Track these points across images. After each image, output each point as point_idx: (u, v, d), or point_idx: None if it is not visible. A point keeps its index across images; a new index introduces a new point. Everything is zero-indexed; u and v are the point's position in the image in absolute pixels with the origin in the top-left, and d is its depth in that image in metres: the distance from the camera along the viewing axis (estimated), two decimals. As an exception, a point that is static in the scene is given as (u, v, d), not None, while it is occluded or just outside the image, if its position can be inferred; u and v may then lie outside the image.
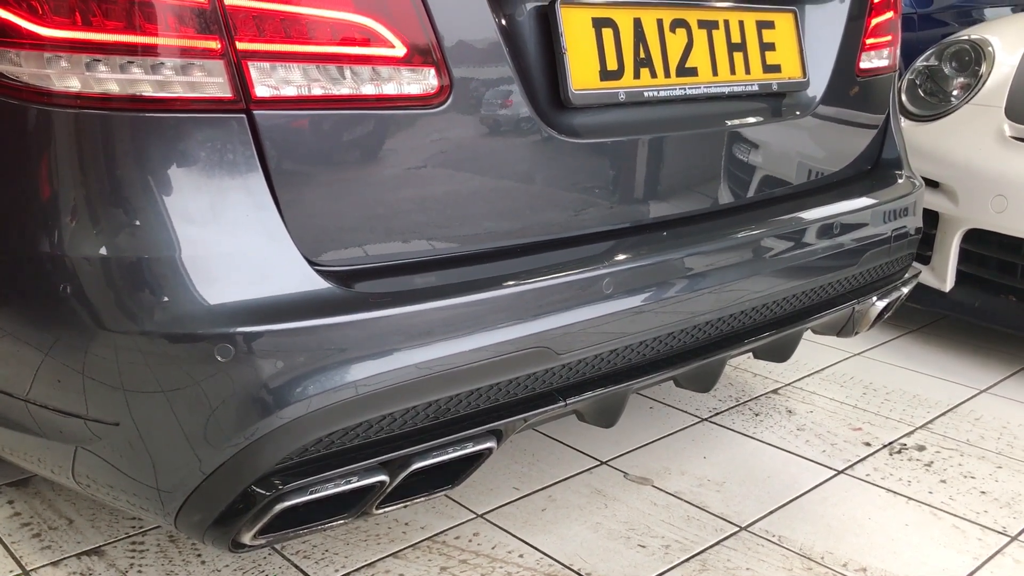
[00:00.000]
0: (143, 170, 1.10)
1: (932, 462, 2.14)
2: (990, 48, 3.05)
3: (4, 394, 1.23)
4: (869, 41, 1.93)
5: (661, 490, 1.98)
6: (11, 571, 1.67)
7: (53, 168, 1.11)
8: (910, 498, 1.98)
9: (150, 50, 1.08)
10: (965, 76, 3.04)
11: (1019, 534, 1.86)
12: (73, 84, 1.08)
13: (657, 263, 1.46)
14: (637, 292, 1.43)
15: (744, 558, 1.75)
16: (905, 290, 2.03)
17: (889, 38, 2.01)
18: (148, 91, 1.09)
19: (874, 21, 1.95)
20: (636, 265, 1.43)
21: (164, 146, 1.10)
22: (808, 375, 2.60)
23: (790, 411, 2.37)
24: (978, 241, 2.69)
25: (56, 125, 1.10)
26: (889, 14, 2.01)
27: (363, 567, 1.68)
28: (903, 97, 3.08)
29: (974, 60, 3.05)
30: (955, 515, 1.92)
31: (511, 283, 1.30)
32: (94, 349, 1.12)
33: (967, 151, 2.73)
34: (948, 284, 2.77)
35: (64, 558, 1.70)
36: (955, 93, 3.02)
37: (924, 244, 2.82)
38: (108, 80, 1.08)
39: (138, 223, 1.10)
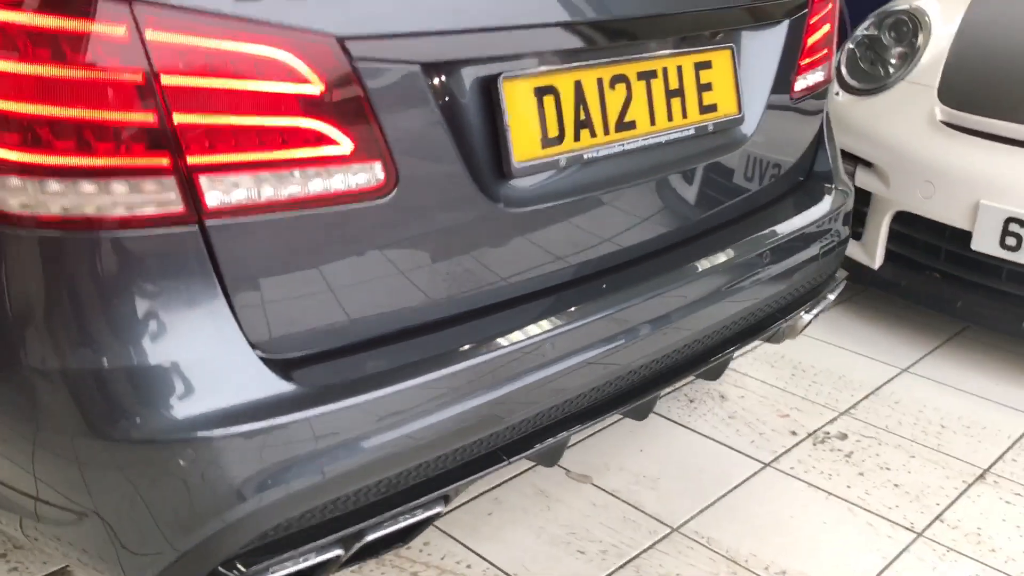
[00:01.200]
0: (99, 286, 1.13)
1: (852, 452, 2.29)
2: (927, 18, 3.11)
3: (14, 490, 1.28)
4: (805, 62, 1.98)
5: (600, 488, 2.11)
6: (-20, 595, 1.75)
7: (11, 286, 1.14)
8: (830, 493, 2.13)
9: (101, 171, 1.11)
10: (903, 46, 3.10)
11: (924, 529, 2.02)
12: (25, 205, 1.11)
13: (600, 317, 1.54)
14: (582, 349, 1.51)
15: (675, 562, 1.89)
16: (832, 297, 2.14)
17: (824, 52, 2.06)
18: (100, 211, 1.12)
19: (811, 40, 1.99)
20: (580, 323, 1.51)
21: (118, 263, 1.14)
22: (741, 354, 2.72)
23: (723, 396, 2.50)
24: (906, 223, 2.80)
25: (11, 245, 1.13)
26: (826, 27, 2.05)
27: (320, 583, 1.79)
28: (843, 69, 3.14)
29: (911, 31, 3.11)
30: (869, 511, 2.07)
31: (457, 358, 1.37)
32: (63, 452, 1.18)
33: (899, 134, 2.81)
34: (877, 262, 2.89)
35: (31, 579, 1.78)
36: (893, 62, 3.09)
37: (856, 221, 2.93)
38: (59, 201, 1.11)
39: (97, 337, 1.14)
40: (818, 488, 2.15)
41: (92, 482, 1.21)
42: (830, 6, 2.05)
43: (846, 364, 2.72)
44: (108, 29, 1.08)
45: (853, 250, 2.94)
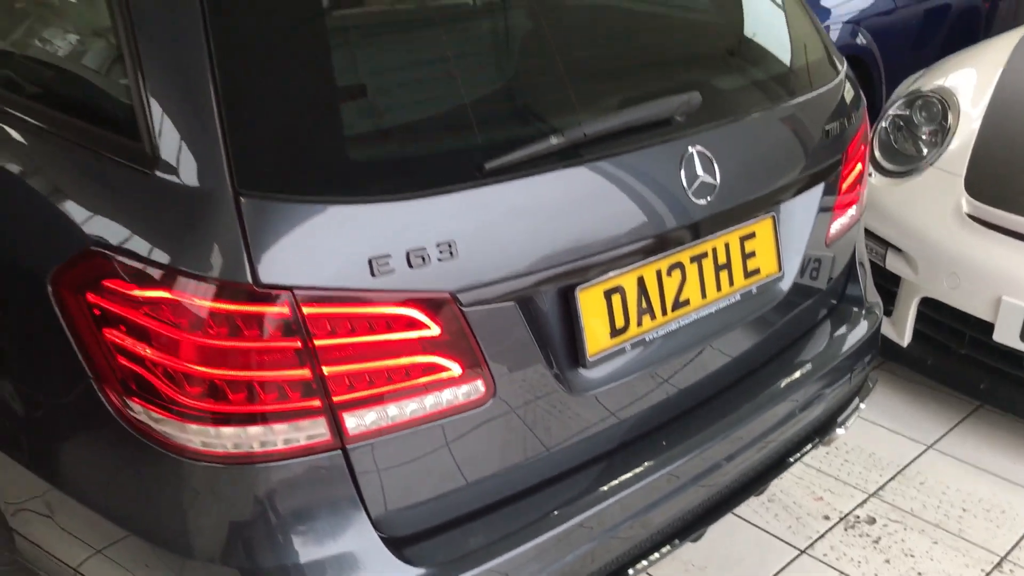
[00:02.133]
0: (261, 502, 1.43)
1: (880, 538, 2.55)
2: (955, 99, 3.29)
3: None
4: (839, 208, 2.21)
5: (653, 576, 2.39)
6: None
7: (192, 505, 1.43)
8: (859, 581, 2.40)
9: (267, 415, 1.39)
10: (934, 125, 3.29)
11: (945, 620, 2.29)
12: (206, 443, 1.40)
13: (665, 470, 1.80)
14: (651, 497, 1.78)
15: (721, 653, 2.17)
16: (863, 405, 2.39)
17: (857, 190, 2.29)
18: (264, 446, 1.40)
19: (844, 185, 2.22)
20: (650, 477, 1.77)
21: (275, 484, 1.42)
22: (780, 431, 2.97)
23: (763, 478, 2.76)
24: (933, 307, 3.02)
25: (192, 473, 1.42)
26: (857, 168, 2.28)
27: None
28: (876, 152, 3.34)
29: (941, 112, 3.31)
30: (894, 600, 2.34)
31: (545, 523, 1.64)
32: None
33: (926, 224, 3.02)
34: (905, 340, 3.12)
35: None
36: (924, 139, 3.28)
37: (887, 299, 3.15)
38: (232, 439, 1.39)
39: (259, 542, 1.43)
40: None
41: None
42: (862, 148, 2.28)
43: (876, 440, 2.96)
44: (274, 310, 1.36)
45: (884, 326, 3.16)
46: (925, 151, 3.23)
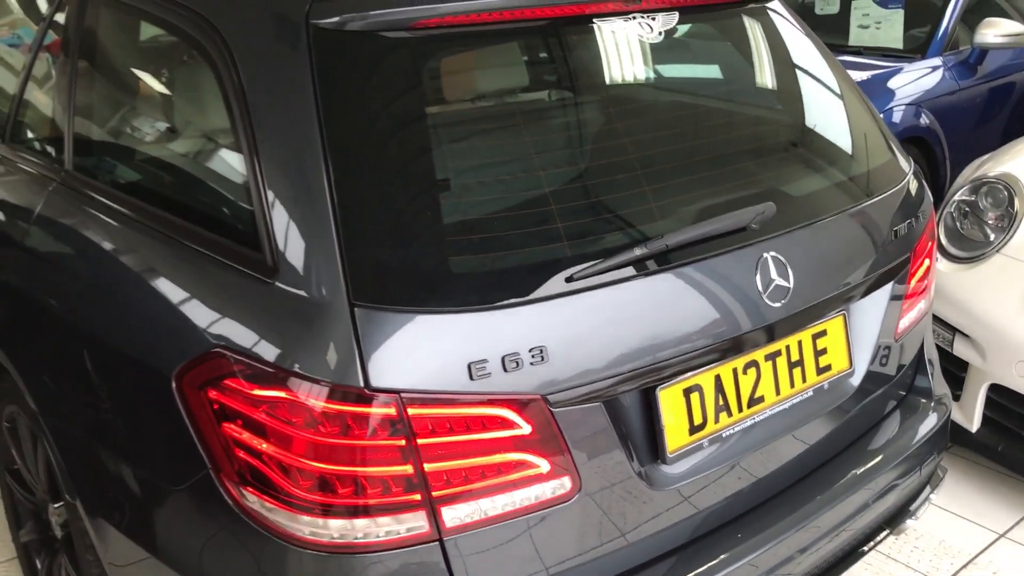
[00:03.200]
0: (366, 587, 1.53)
1: (952, 628, 2.56)
2: (1020, 185, 3.34)
3: None
4: (908, 303, 2.28)
5: (725, 661, 2.42)
6: None
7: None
8: (931, 673, 2.40)
9: (371, 508, 1.50)
10: (1000, 210, 3.34)
11: None
12: (314, 533, 1.51)
13: (741, 563, 1.87)
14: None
15: None
16: (933, 496, 2.42)
17: (926, 284, 2.35)
18: (367, 537, 1.51)
19: (913, 282, 2.29)
20: (727, 571, 1.84)
21: (377, 572, 1.53)
22: (848, 516, 3.00)
23: (832, 564, 2.79)
24: (1002, 393, 3.04)
25: (299, 560, 1.53)
26: (927, 263, 2.35)
27: None
28: (942, 237, 3.39)
29: (1007, 199, 3.35)
30: None
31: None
32: None
33: (994, 311, 3.05)
34: (974, 425, 3.13)
35: None
36: (991, 223, 3.33)
37: (956, 384, 3.18)
38: (338, 530, 1.50)
39: (364, 625, 1.53)
40: (921, 666, 2.42)
41: None
42: (930, 245, 2.35)
43: (946, 527, 2.97)
44: (382, 411, 1.47)
45: (952, 411, 3.18)
46: (992, 236, 3.27)
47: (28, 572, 2.56)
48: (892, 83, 4.67)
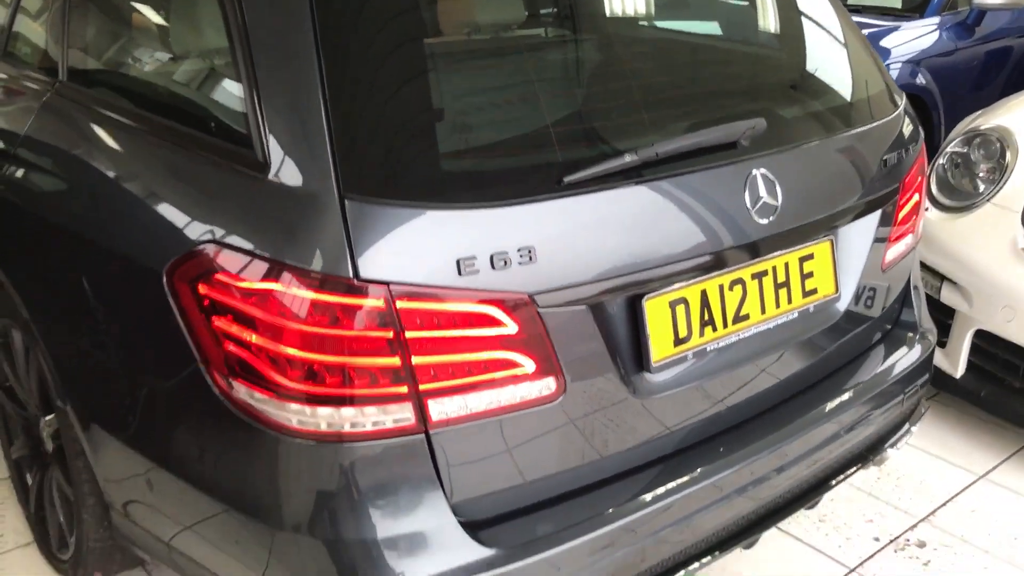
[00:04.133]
0: (347, 478, 1.56)
1: (929, 561, 2.60)
2: (1014, 138, 3.36)
3: None
4: (895, 234, 2.30)
5: (705, 588, 2.47)
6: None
7: (286, 477, 1.57)
8: (908, 601, 2.45)
9: (358, 399, 1.53)
10: (992, 163, 3.36)
11: (992, 641, 2.33)
12: (302, 422, 1.53)
13: (719, 474, 1.90)
14: (705, 500, 1.87)
15: (770, 662, 2.24)
16: (914, 429, 2.45)
17: (913, 219, 2.38)
18: (354, 427, 1.53)
19: (901, 214, 2.31)
20: (705, 480, 1.87)
21: (362, 462, 1.55)
22: (832, 456, 3.03)
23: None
24: (987, 339, 3.08)
25: (289, 450, 1.55)
26: (915, 199, 2.36)
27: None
28: (933, 188, 3.41)
29: (999, 151, 3.37)
30: (943, 620, 2.39)
31: (608, 517, 1.75)
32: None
33: (982, 258, 3.08)
34: (959, 371, 3.17)
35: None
36: (982, 176, 3.35)
37: (942, 331, 3.21)
38: (326, 419, 1.53)
39: (344, 514, 1.56)
40: (897, 595, 2.47)
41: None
42: (919, 179, 2.37)
43: (928, 468, 3.01)
44: (371, 302, 1.49)
45: (938, 357, 3.22)
46: (982, 188, 3.29)
47: (19, 488, 2.59)
48: (889, 41, 4.68)
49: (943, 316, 3.19)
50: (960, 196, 3.33)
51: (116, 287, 1.83)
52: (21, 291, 2.12)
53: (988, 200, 3.22)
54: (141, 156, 1.84)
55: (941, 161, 3.46)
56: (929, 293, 3.19)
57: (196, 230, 1.63)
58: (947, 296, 3.16)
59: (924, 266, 3.23)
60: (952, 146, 3.47)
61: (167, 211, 1.71)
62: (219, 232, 1.60)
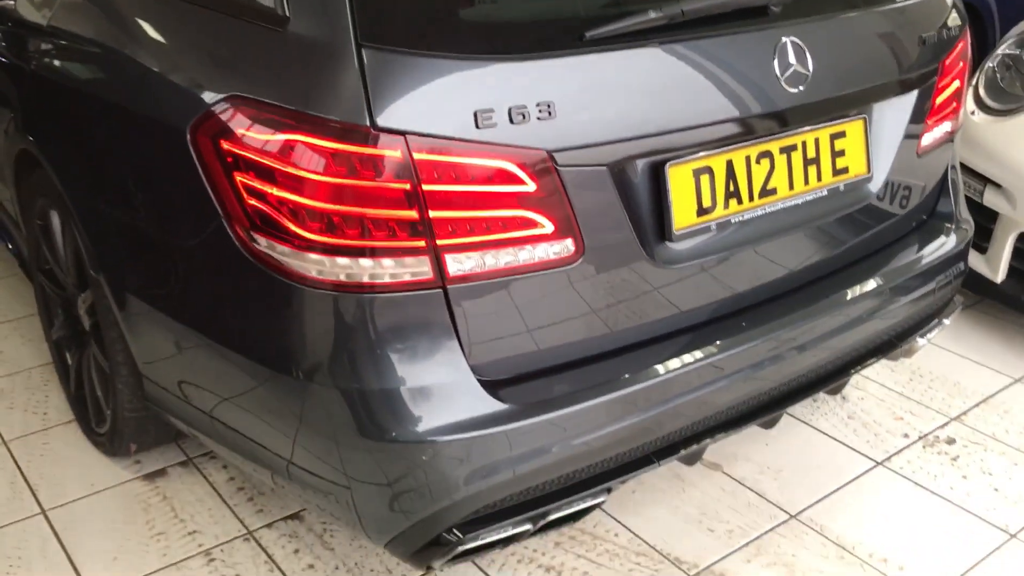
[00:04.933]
0: (367, 330, 1.58)
1: (958, 456, 2.58)
2: (1071, 37, 3.25)
3: (275, 454, 1.76)
4: (932, 119, 2.24)
5: (729, 476, 2.48)
6: (239, 530, 2.27)
7: (306, 327, 1.60)
8: (933, 492, 2.44)
9: (377, 250, 1.54)
10: (1045, 65, 3.26)
11: (1018, 532, 2.31)
12: (321, 272, 1.55)
13: (742, 348, 1.89)
14: (725, 374, 1.87)
15: (791, 545, 2.25)
16: (947, 322, 2.42)
17: (953, 106, 2.31)
18: (373, 278, 1.55)
19: (939, 99, 2.25)
20: (726, 353, 1.86)
21: (381, 314, 1.57)
22: (864, 358, 3.01)
23: (844, 398, 2.82)
24: (1030, 242, 3.01)
25: (309, 300, 1.57)
26: (955, 85, 2.30)
27: (498, 541, 2.24)
28: (980, 89, 3.31)
29: (1054, 51, 3.26)
30: (969, 512, 2.38)
31: (624, 382, 1.76)
32: (327, 440, 1.64)
33: (1028, 159, 3.00)
34: (1000, 276, 3.11)
35: (274, 520, 2.29)
36: (1034, 80, 3.25)
37: (983, 235, 3.14)
38: (345, 270, 1.54)
39: (365, 366, 1.58)
40: (924, 487, 2.46)
41: (349, 464, 1.66)
42: (961, 65, 2.30)
43: (962, 371, 2.97)
44: (389, 152, 1.50)
45: (978, 263, 3.16)
46: (1032, 93, 3.19)
47: (60, 369, 2.67)
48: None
49: (985, 220, 3.12)
50: (1009, 99, 3.23)
51: (143, 150, 1.85)
52: (55, 166, 2.15)
53: (1037, 102, 3.13)
54: (162, 16, 1.84)
55: (991, 64, 3.35)
56: (971, 196, 3.12)
57: (218, 86, 1.64)
58: (990, 199, 3.08)
59: (967, 169, 3.16)
60: (1004, 48, 3.36)
61: (189, 69, 1.72)
62: (240, 87, 1.60)
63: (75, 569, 2.14)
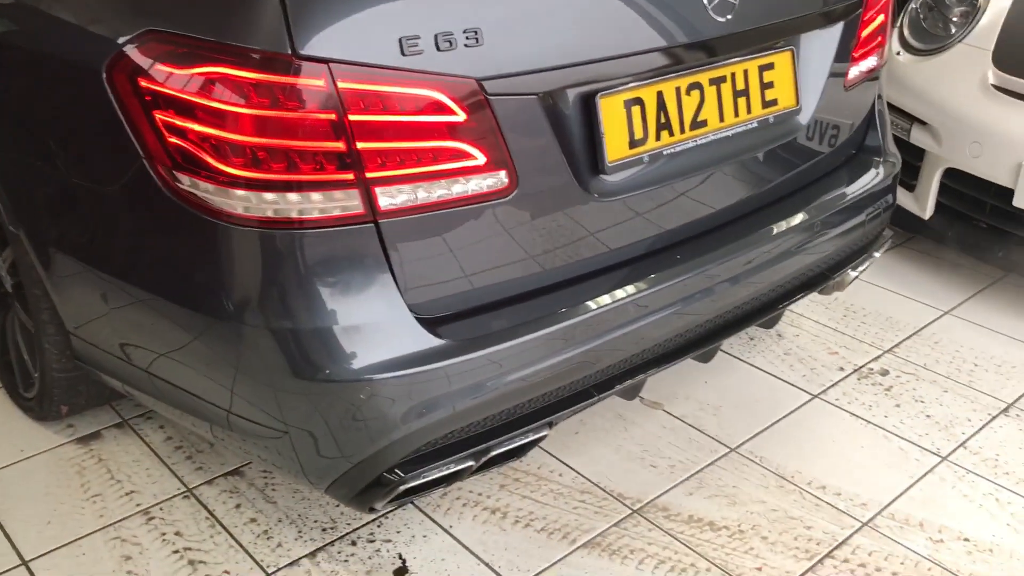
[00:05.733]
0: (299, 267, 1.54)
1: (891, 387, 2.64)
2: (989, -22, 3.30)
3: (213, 404, 1.73)
4: (858, 53, 2.26)
5: (670, 414, 2.50)
6: (178, 488, 2.23)
7: (234, 266, 1.56)
8: (868, 421, 2.49)
9: (304, 184, 1.50)
10: (965, 6, 3.31)
11: (948, 455, 2.38)
12: (247, 208, 1.51)
13: (675, 281, 1.90)
14: (659, 307, 1.88)
15: (732, 476, 2.29)
16: (877, 255, 2.46)
17: (878, 40, 2.34)
18: (302, 213, 1.51)
19: (864, 32, 2.27)
20: (660, 286, 1.87)
21: (312, 251, 1.54)
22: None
23: (780, 335, 2.86)
24: (955, 178, 3.07)
25: (236, 237, 1.53)
26: (880, 18, 2.32)
27: (442, 486, 2.23)
28: (905, 30, 3.37)
29: (973, -9, 3.32)
30: (902, 437, 2.43)
31: (560, 317, 1.75)
32: (263, 384, 1.61)
33: (952, 96, 3.05)
34: (928, 213, 3.17)
35: (214, 477, 2.26)
36: (955, 20, 3.30)
37: (911, 173, 3.21)
38: (272, 206, 1.51)
39: (297, 304, 1.55)
40: (859, 417, 2.51)
41: (287, 408, 1.64)
42: (883, 0, 2.32)
43: (894, 306, 3.04)
44: (312, 82, 1.46)
45: (906, 201, 3.22)
46: (954, 31, 3.25)
47: (-16, 334, 2.58)
48: None
49: (912, 159, 3.18)
50: (932, 39, 3.29)
51: (57, 96, 1.78)
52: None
53: (960, 40, 3.18)
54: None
55: (914, 5, 3.40)
56: (899, 135, 3.17)
57: (132, 23, 1.58)
58: (916, 137, 3.14)
59: (894, 108, 3.21)
60: (926, -11, 3.41)
61: (101, 7, 1.66)
62: (155, 21, 1.55)
63: (6, 535, 2.08)
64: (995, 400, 2.59)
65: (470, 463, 1.74)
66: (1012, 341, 2.86)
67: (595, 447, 2.37)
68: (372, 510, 1.75)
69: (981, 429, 2.47)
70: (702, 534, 2.11)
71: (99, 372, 2.06)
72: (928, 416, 2.52)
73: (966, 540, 2.12)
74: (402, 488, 1.68)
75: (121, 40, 1.58)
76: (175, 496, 2.20)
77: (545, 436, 1.83)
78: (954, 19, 3.31)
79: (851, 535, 2.12)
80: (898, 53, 3.32)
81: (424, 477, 1.70)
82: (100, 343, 1.96)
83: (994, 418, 2.52)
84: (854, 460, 2.35)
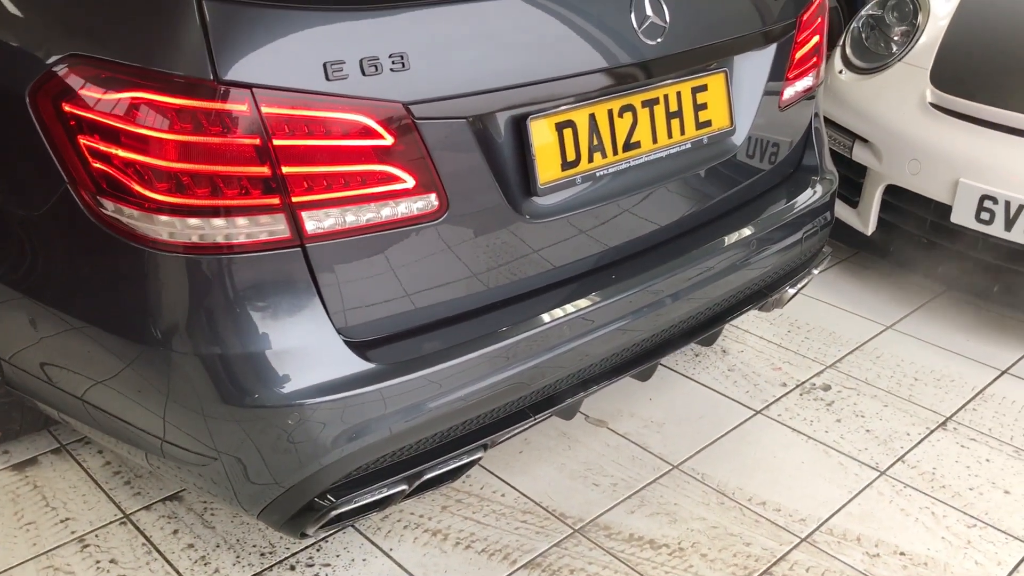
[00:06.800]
0: (225, 292, 1.53)
1: (833, 401, 2.67)
2: (927, 0, 3.37)
3: (146, 432, 1.71)
4: (793, 74, 2.30)
5: (614, 431, 2.51)
6: (115, 514, 2.19)
7: (161, 292, 1.54)
8: (809, 437, 2.52)
9: (229, 209, 1.50)
10: (905, 25, 3.37)
11: (887, 469, 2.41)
12: (172, 234, 1.50)
13: (611, 301, 1.91)
14: (595, 327, 1.89)
15: (674, 494, 2.30)
16: (816, 272, 2.49)
17: (813, 61, 2.37)
18: (228, 238, 1.51)
19: (799, 53, 2.31)
20: (595, 306, 1.88)
21: (239, 276, 1.53)
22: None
23: (724, 351, 2.88)
24: (896, 195, 3.12)
25: (162, 263, 1.52)
26: (815, 39, 2.36)
27: (383, 509, 2.22)
28: (847, 49, 3.42)
29: (912, 12, 3.39)
30: (842, 452, 2.46)
31: (493, 338, 1.75)
32: (193, 411, 1.60)
33: (892, 114, 3.11)
34: (870, 228, 3.22)
35: (152, 502, 2.23)
36: (896, 39, 3.37)
37: (853, 190, 3.25)
38: (197, 231, 1.50)
39: (224, 330, 1.54)
40: (800, 432, 2.53)
41: (217, 435, 1.62)
42: (819, 21, 2.36)
43: (837, 321, 3.07)
44: (235, 107, 1.45)
45: (849, 216, 3.27)
46: (895, 49, 3.31)
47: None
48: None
49: (855, 176, 3.23)
50: (874, 58, 3.35)
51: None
52: None
53: (900, 59, 3.24)
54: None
55: (856, 24, 3.46)
56: (841, 152, 3.22)
57: (56, 46, 1.56)
58: (858, 154, 3.19)
59: (836, 126, 3.26)
60: (867, 9, 3.47)
61: (24, 29, 1.64)
62: (79, 45, 1.53)
63: (-63, 565, 2.04)
64: (934, 414, 2.62)
65: (403, 487, 1.73)
66: (951, 355, 2.91)
67: (538, 466, 2.37)
68: (304, 535, 1.74)
69: (919, 443, 2.51)
70: (642, 552, 2.12)
71: (33, 399, 2.03)
72: (868, 431, 2.55)
73: (902, 554, 2.14)
74: (333, 513, 1.67)
75: (45, 62, 1.57)
76: (112, 522, 2.17)
77: (480, 458, 1.83)
78: (895, 38, 3.37)
79: (789, 551, 2.13)
80: (840, 71, 3.38)
81: (356, 502, 1.69)
82: (32, 370, 1.93)
83: (932, 432, 2.55)
84: (794, 475, 2.37)
